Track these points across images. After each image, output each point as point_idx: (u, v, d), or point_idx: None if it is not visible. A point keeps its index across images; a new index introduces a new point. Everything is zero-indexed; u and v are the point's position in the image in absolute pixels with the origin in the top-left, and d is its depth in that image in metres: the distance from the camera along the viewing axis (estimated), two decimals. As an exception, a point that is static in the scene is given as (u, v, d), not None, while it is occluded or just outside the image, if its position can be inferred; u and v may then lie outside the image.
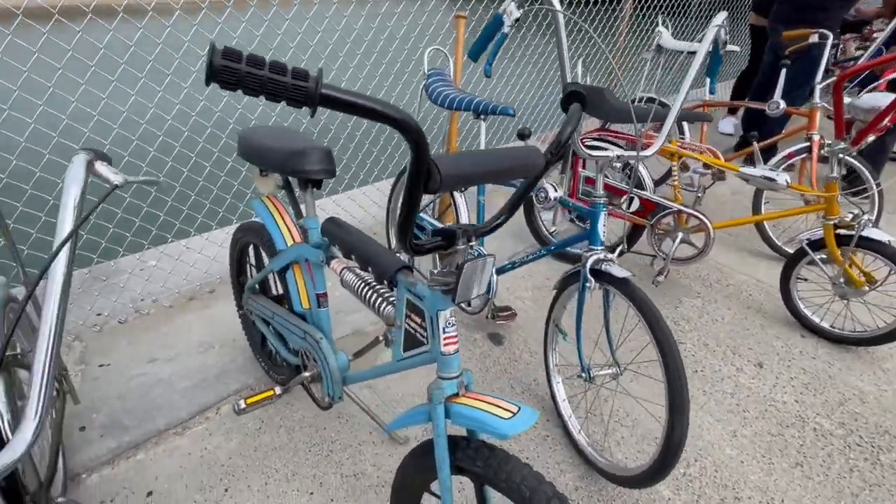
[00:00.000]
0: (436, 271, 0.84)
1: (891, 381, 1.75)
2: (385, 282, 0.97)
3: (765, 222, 2.48)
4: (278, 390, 1.31)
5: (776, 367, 1.82)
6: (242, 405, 1.26)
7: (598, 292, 1.35)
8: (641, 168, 2.12)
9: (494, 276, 1.67)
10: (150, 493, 1.34)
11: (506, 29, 1.29)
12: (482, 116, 1.67)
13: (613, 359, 1.39)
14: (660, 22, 2.88)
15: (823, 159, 2.26)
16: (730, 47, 2.70)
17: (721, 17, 1.27)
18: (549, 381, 1.58)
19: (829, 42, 2.48)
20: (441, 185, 0.63)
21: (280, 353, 1.45)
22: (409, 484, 0.99)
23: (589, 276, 1.32)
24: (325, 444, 1.49)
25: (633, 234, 2.23)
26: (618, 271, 1.25)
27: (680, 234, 2.11)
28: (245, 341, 1.85)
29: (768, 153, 3.08)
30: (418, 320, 0.91)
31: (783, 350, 1.90)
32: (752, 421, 1.60)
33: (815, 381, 1.76)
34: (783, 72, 2.47)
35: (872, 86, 1.66)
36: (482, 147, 1.80)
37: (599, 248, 1.34)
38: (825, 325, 1.94)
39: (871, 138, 1.73)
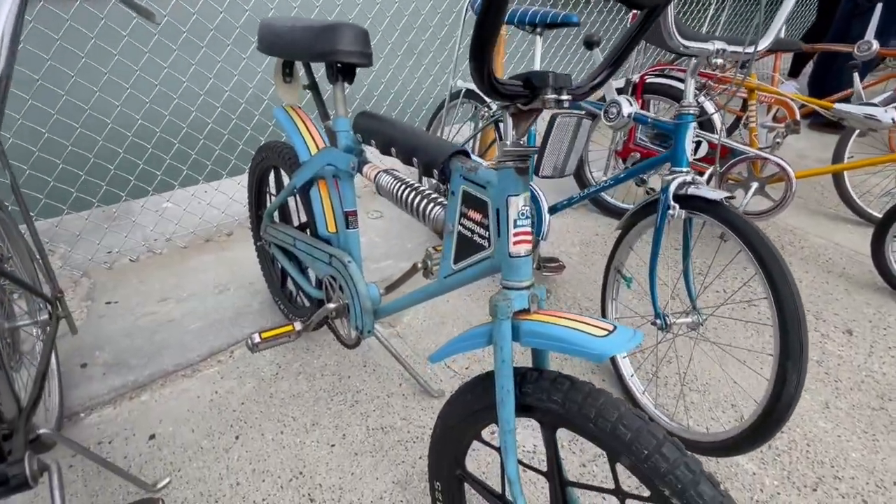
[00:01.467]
0: (508, 143, 0.63)
1: None
2: (435, 174, 0.77)
3: (846, 178, 2.19)
4: (298, 326, 1.13)
5: (869, 334, 1.56)
6: (257, 339, 1.09)
7: (674, 228, 1.12)
8: (711, 107, 1.85)
9: (547, 215, 1.45)
10: (152, 437, 1.19)
11: None
12: (538, 30, 1.44)
13: (693, 305, 1.17)
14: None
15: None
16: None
17: None
18: (606, 335, 1.36)
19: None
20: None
21: (302, 288, 1.27)
22: (455, 430, 0.79)
23: (672, 201, 1.09)
24: (349, 393, 1.31)
25: (697, 186, 1.97)
26: (710, 193, 1.02)
27: (755, 184, 1.85)
28: (263, 285, 1.68)
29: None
30: (477, 217, 0.70)
31: (875, 317, 1.64)
32: (847, 392, 1.36)
33: (918, 351, 1.50)
34: (878, 7, 2.15)
35: None
36: (537, 66, 1.57)
37: (685, 169, 1.11)
38: (926, 291, 1.67)
39: None
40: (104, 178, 1.80)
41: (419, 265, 0.99)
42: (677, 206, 1.08)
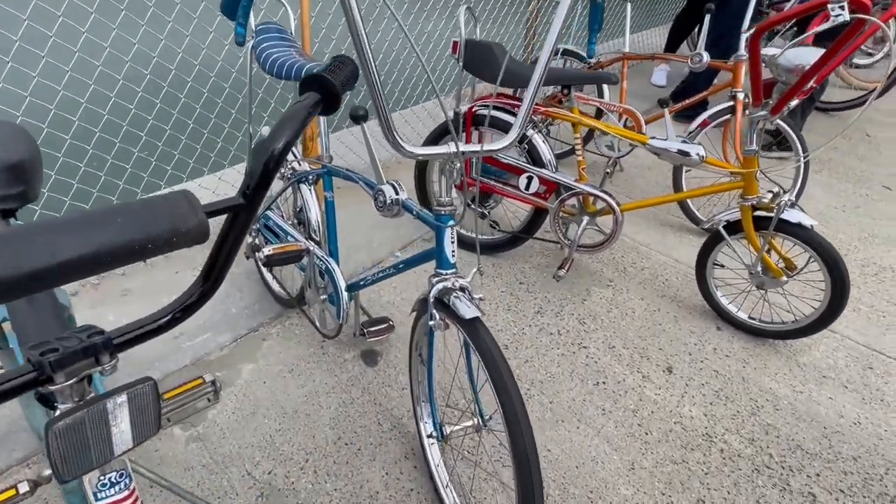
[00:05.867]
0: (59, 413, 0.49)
1: (806, 381, 1.57)
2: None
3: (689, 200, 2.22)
4: (24, 487, 0.96)
5: (687, 370, 1.60)
6: (-41, 518, 0.90)
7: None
8: (540, 142, 1.79)
9: (344, 294, 1.33)
10: None
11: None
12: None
13: (478, 408, 1.11)
14: (575, -41, 2.48)
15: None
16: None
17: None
18: (416, 419, 1.30)
19: (759, -19, 2.17)
20: None
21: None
22: None
23: (433, 310, 1.00)
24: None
25: (538, 218, 1.92)
26: (465, 309, 0.94)
27: (585, 219, 1.83)
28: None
29: (701, 109, 2.80)
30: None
31: (696, 348, 1.68)
32: (655, 446, 1.38)
33: (727, 386, 1.55)
34: (707, 19, 2.15)
35: (797, 40, 1.37)
36: (324, 138, 1.41)
37: (449, 271, 1.02)
38: (742, 315, 1.73)
39: (794, 103, 1.46)
40: None
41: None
42: (437, 316, 1.00)
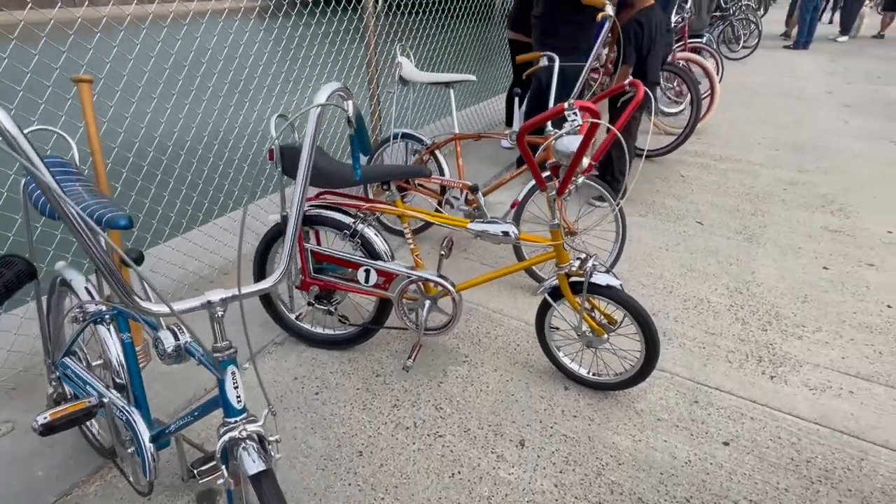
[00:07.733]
0: None
1: (644, 427, 1.68)
2: None
3: (534, 268, 2.38)
4: None
5: (538, 440, 1.64)
6: None
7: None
8: (372, 234, 1.82)
9: (150, 447, 1.20)
10: None
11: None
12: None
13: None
14: (398, 52, 2.66)
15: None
16: (465, 77, 2.57)
17: (327, 90, 0.96)
18: (250, 572, 1.17)
19: (556, 64, 2.47)
20: None
21: None
22: None
23: (223, 466, 0.93)
24: None
25: (386, 307, 1.93)
26: (250, 463, 0.88)
27: (427, 303, 1.86)
28: None
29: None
30: None
31: (546, 414, 1.74)
32: (509, 533, 1.37)
33: (575, 449, 1.61)
34: (516, 100, 2.39)
35: (563, 130, 1.55)
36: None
37: (237, 418, 0.95)
38: (583, 372, 1.83)
39: (580, 180, 1.64)
40: None
41: None
42: (226, 473, 0.93)
